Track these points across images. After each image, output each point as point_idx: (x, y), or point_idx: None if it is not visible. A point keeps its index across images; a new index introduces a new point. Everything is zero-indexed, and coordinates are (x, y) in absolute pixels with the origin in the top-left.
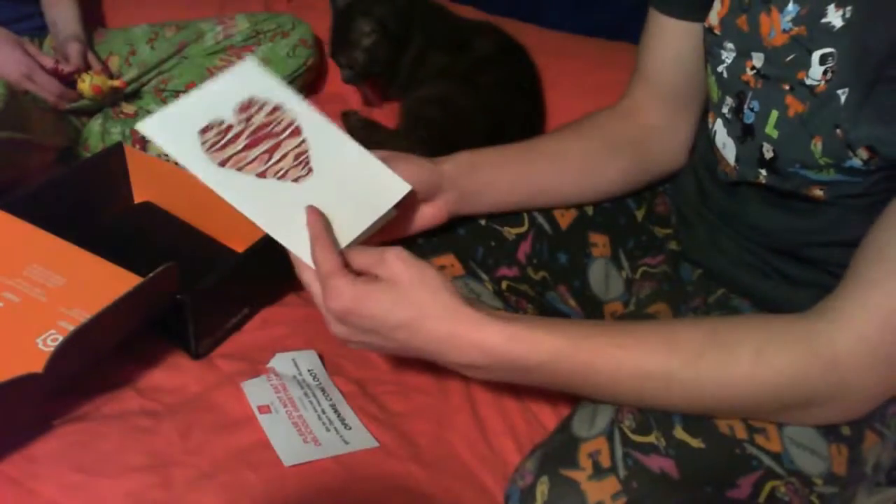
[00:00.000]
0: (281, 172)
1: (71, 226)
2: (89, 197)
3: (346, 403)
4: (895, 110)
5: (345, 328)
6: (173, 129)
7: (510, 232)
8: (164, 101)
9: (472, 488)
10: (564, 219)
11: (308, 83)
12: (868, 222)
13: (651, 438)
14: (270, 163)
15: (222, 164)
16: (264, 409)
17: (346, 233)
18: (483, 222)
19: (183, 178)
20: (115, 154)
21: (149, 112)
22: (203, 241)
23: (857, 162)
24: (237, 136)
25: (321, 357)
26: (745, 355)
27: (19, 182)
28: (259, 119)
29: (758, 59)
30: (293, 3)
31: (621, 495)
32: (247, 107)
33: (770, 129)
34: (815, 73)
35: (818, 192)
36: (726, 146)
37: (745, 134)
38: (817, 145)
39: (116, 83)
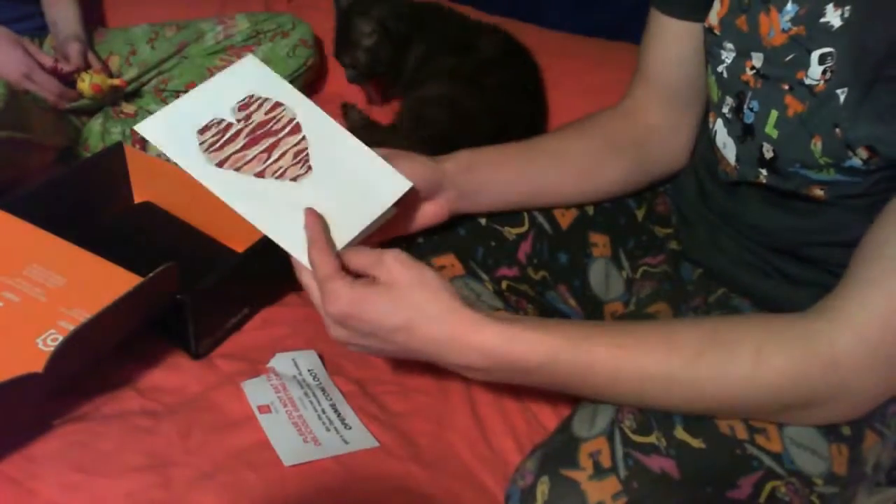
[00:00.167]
0: (280, 171)
1: (71, 226)
2: (89, 197)
3: (347, 403)
4: (894, 109)
5: (344, 331)
6: (171, 131)
7: (510, 232)
8: (164, 101)
9: (472, 488)
10: (565, 218)
11: (308, 83)
12: (868, 222)
13: (652, 438)
14: (269, 162)
15: (220, 164)
16: (264, 409)
17: (347, 230)
18: (483, 222)
19: (183, 178)
20: (115, 154)
21: (149, 112)
22: (203, 241)
23: (856, 162)
24: (236, 134)
25: (321, 357)
26: (745, 355)
27: (19, 182)
28: (258, 116)
29: (757, 59)
30: (293, 3)
31: (622, 495)
32: (246, 104)
33: (770, 129)
34: (815, 72)
35: (819, 192)
36: (727, 146)
37: (745, 134)
38: (817, 145)
39: (116, 82)
